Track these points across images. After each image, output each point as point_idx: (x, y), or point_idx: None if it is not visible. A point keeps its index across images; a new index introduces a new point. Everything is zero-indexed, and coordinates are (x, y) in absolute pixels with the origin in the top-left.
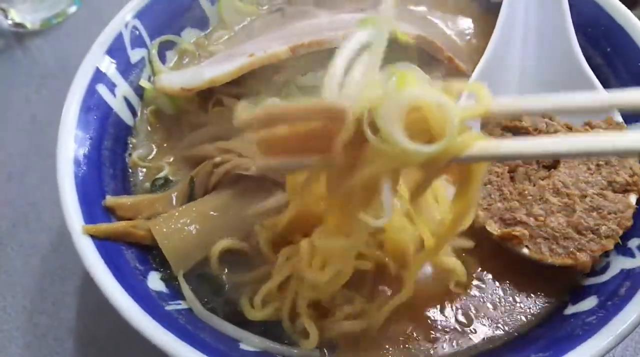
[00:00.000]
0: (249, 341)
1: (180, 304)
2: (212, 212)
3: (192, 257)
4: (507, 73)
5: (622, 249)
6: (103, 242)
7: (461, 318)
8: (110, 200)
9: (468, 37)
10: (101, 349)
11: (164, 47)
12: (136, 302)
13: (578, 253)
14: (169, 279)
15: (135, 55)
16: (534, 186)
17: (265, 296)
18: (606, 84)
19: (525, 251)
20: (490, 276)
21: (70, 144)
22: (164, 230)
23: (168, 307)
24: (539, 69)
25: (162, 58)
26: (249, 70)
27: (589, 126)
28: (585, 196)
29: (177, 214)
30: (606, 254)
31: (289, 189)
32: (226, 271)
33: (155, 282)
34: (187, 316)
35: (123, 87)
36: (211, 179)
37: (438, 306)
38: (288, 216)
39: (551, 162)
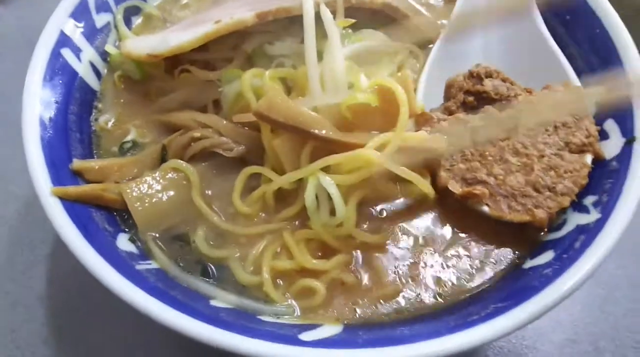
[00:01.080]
0: (223, 298)
1: (150, 263)
2: (184, 182)
3: (160, 224)
4: (470, 42)
5: (578, 206)
6: (72, 204)
7: (429, 272)
8: (77, 163)
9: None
10: (72, 315)
11: (129, 12)
12: (106, 261)
13: (535, 210)
14: (138, 240)
15: (100, 20)
16: (495, 146)
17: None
18: (566, 49)
19: (486, 208)
20: (454, 233)
21: (36, 107)
22: (136, 194)
23: (138, 267)
24: (501, 35)
25: (128, 23)
26: (215, 37)
27: (548, 90)
28: (543, 156)
29: (149, 179)
30: (563, 211)
31: None
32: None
33: (124, 243)
34: (158, 275)
35: (89, 52)
36: (187, 151)
37: (409, 260)
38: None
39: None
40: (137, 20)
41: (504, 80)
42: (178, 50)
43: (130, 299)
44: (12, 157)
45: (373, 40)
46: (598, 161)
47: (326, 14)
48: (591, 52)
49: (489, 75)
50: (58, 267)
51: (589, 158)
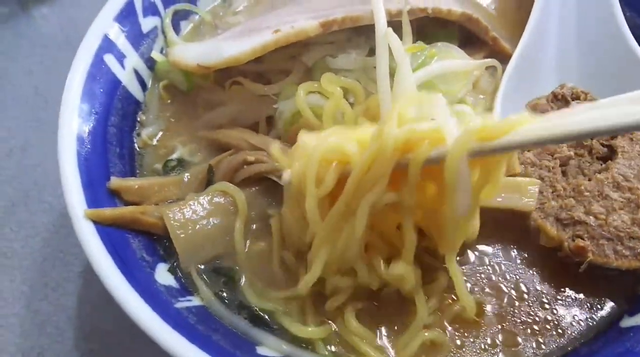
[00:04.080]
0: (269, 344)
1: (191, 300)
2: (232, 208)
3: (204, 254)
4: (546, 54)
5: None
6: (107, 229)
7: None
8: (115, 182)
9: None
10: (104, 340)
11: (178, 16)
12: (142, 298)
13: None
14: (179, 272)
15: (147, 24)
16: (590, 180)
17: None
18: None
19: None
20: (537, 282)
21: (74, 120)
22: (178, 219)
23: (178, 305)
24: (581, 51)
25: (177, 28)
26: (274, 48)
27: None
28: None
29: (194, 202)
30: None
31: None
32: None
33: (163, 275)
34: (199, 315)
35: (133, 59)
36: (238, 174)
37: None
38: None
39: (606, 153)
40: (187, 26)
41: (592, 101)
42: (232, 62)
43: (169, 344)
44: (49, 164)
45: (448, 57)
46: None
47: (394, 42)
48: None
49: (576, 96)
50: (92, 286)
51: None
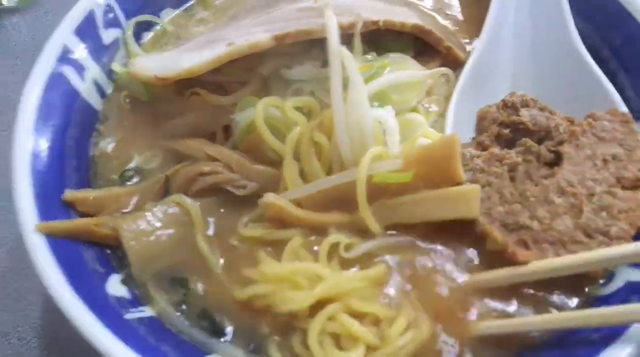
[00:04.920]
0: (225, 353)
1: (143, 311)
2: (187, 218)
3: (158, 264)
4: (500, 61)
5: None
6: (59, 241)
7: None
8: (69, 194)
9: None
10: (69, 350)
11: (141, 27)
12: (89, 309)
13: None
14: (132, 282)
15: (108, 36)
16: (537, 186)
17: None
18: (615, 77)
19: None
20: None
21: (29, 132)
22: (132, 230)
23: (128, 316)
24: (535, 59)
25: (140, 39)
26: (228, 60)
27: (592, 118)
28: (593, 195)
29: (148, 214)
30: None
31: None
32: None
33: (116, 286)
34: (150, 326)
35: (93, 70)
36: (194, 185)
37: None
38: None
39: (553, 159)
40: (149, 36)
41: (541, 109)
42: (188, 74)
43: (108, 353)
44: None
45: (401, 68)
46: None
47: (347, 59)
48: None
49: (525, 104)
50: None
51: None
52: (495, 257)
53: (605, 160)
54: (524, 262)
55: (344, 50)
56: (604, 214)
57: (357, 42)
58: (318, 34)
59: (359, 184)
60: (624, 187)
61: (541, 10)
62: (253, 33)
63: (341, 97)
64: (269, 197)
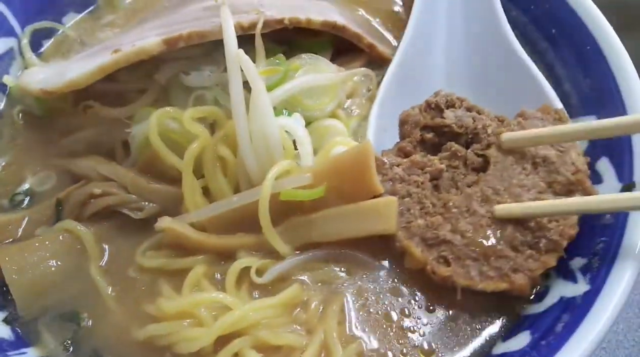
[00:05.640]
0: None
1: (25, 353)
2: (79, 246)
3: (46, 300)
4: (432, 56)
5: (564, 269)
6: None
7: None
8: None
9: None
10: None
11: (40, 34)
12: None
13: (513, 275)
14: (17, 320)
15: (0, 45)
16: (461, 194)
17: None
18: (551, 69)
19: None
20: (416, 302)
21: None
22: (16, 262)
23: None
24: (466, 51)
25: (39, 48)
26: (115, 69)
27: (523, 118)
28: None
29: (35, 243)
30: (546, 274)
31: None
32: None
33: None
34: None
35: None
36: (86, 209)
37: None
38: None
39: (482, 164)
40: (51, 44)
41: (469, 109)
42: (73, 86)
43: None
44: None
45: (315, 70)
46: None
47: (246, 64)
48: (582, 74)
49: (450, 104)
50: None
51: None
52: (414, 274)
53: (535, 164)
54: (445, 280)
55: (242, 53)
56: (532, 224)
57: (259, 43)
58: (214, 35)
59: (261, 205)
60: (555, 193)
61: (474, 6)
62: (144, 37)
63: (242, 105)
64: (164, 222)
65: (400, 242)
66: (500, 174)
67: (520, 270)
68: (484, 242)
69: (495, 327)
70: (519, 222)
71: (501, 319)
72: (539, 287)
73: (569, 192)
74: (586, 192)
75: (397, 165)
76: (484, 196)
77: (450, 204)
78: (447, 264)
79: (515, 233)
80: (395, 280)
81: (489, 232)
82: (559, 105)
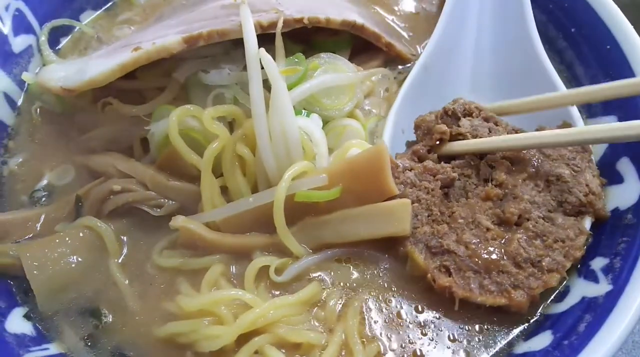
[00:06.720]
0: None
1: (47, 349)
2: (99, 243)
3: (67, 295)
4: (457, 60)
5: (585, 270)
6: None
7: None
8: None
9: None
10: None
11: (58, 32)
12: None
13: (513, 291)
14: (38, 316)
15: (19, 43)
16: (470, 205)
17: None
18: (570, 69)
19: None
20: (430, 306)
21: None
22: (37, 258)
23: (28, 356)
24: (493, 57)
25: (57, 45)
26: (135, 67)
27: None
28: (529, 220)
29: (55, 239)
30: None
31: None
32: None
33: (16, 322)
34: None
35: (2, 82)
36: (105, 206)
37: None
38: None
39: (493, 175)
40: (68, 41)
41: (486, 119)
42: (93, 84)
43: None
44: None
45: (333, 69)
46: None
47: (267, 63)
48: (601, 74)
49: (468, 113)
50: None
51: (587, 222)
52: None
53: (548, 182)
54: (444, 290)
55: (264, 52)
56: (538, 242)
57: (279, 42)
58: (234, 34)
59: (276, 207)
60: (565, 213)
61: (504, 10)
62: (164, 35)
63: (262, 105)
64: (178, 220)
65: (404, 248)
66: (511, 189)
67: (521, 287)
68: (488, 255)
69: (516, 327)
70: (527, 239)
71: (522, 318)
72: (556, 288)
73: (578, 213)
74: (597, 215)
75: (410, 170)
76: (492, 209)
77: (457, 213)
78: (449, 274)
79: (520, 249)
80: (413, 280)
81: (493, 245)
82: (580, 123)
